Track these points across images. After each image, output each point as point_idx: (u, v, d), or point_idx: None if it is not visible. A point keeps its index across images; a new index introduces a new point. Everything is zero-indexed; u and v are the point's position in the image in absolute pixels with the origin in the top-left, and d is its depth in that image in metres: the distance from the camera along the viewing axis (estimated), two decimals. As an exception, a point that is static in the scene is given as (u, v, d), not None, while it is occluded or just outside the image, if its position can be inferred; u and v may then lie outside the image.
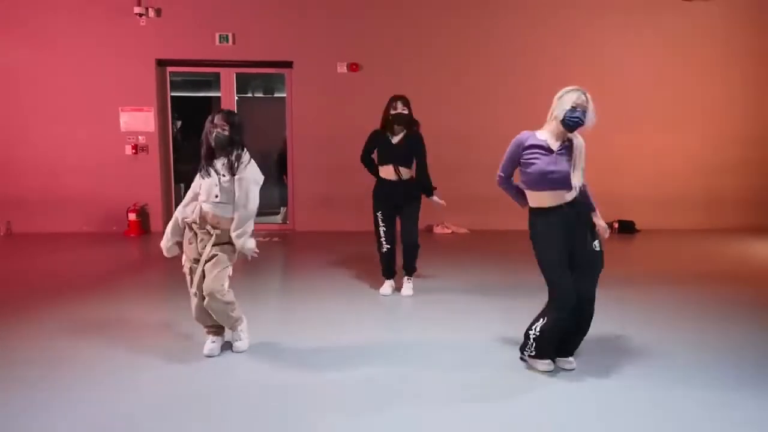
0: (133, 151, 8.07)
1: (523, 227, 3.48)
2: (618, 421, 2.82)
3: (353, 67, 8.25)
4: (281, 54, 8.19)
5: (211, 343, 3.63)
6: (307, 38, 8.15)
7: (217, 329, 3.67)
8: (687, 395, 3.10)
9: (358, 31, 8.22)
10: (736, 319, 4.44)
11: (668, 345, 3.84)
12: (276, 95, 10.75)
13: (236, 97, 8.54)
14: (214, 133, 3.43)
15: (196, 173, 3.59)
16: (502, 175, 3.46)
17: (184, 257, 3.57)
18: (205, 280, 3.42)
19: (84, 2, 7.78)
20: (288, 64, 8.27)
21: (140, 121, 8.06)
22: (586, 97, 3.20)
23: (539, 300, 3.45)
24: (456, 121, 8.26)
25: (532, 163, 3.25)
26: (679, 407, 2.97)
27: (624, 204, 8.38)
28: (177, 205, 3.75)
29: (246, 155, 3.51)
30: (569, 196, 3.23)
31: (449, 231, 8.32)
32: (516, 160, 3.36)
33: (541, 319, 3.31)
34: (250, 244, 3.50)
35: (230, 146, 3.46)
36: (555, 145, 3.26)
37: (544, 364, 3.37)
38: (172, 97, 8.43)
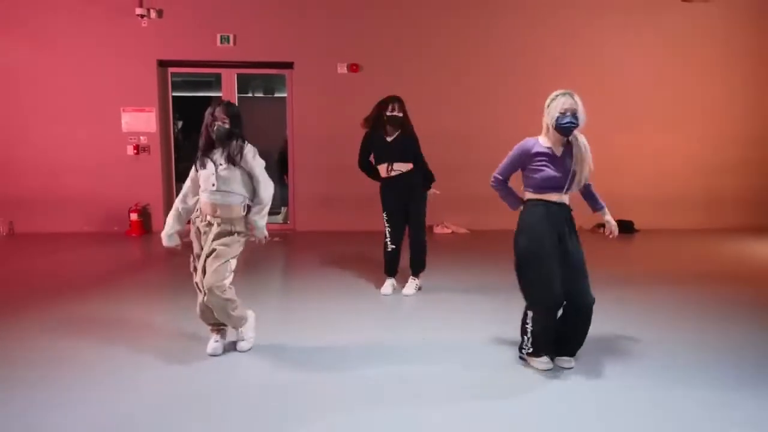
0: (135, 151, 8.08)
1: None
2: (618, 421, 2.82)
3: (353, 67, 8.25)
4: (282, 55, 8.20)
5: (214, 342, 3.64)
6: (308, 39, 8.16)
7: (220, 328, 3.67)
8: (687, 395, 3.10)
9: (358, 32, 8.23)
10: (736, 319, 4.44)
11: (668, 345, 3.84)
12: (276, 95, 10.77)
13: (237, 97, 8.55)
14: (215, 126, 3.45)
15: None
16: (500, 178, 3.47)
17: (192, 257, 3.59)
18: (206, 274, 3.43)
19: (84, 2, 7.79)
20: (288, 65, 8.28)
21: (142, 121, 8.07)
22: (574, 98, 3.21)
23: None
24: (456, 121, 8.26)
25: (542, 170, 3.27)
26: (679, 407, 2.97)
27: (624, 204, 8.36)
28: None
29: (248, 146, 3.55)
30: (566, 198, 3.33)
31: (449, 231, 8.33)
32: (517, 167, 3.39)
33: (529, 313, 3.36)
34: (263, 223, 3.59)
35: (230, 138, 3.49)
36: (559, 151, 3.30)
37: (543, 363, 3.38)
38: (172, 97, 8.44)
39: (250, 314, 3.74)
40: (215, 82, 9.18)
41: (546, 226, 3.26)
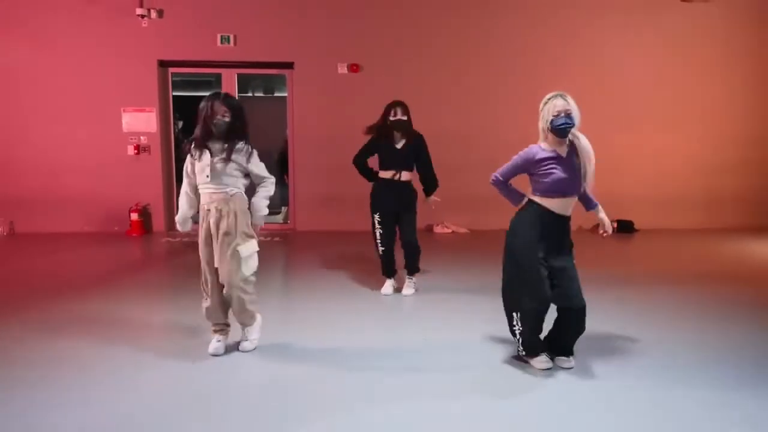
0: (135, 151, 8.08)
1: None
2: (618, 421, 2.82)
3: (353, 67, 8.26)
4: (282, 55, 8.21)
5: (216, 342, 3.64)
6: (308, 39, 8.16)
7: (223, 328, 3.68)
8: (687, 395, 3.10)
9: (359, 32, 8.23)
10: (736, 319, 4.43)
11: (668, 345, 3.84)
12: (276, 95, 10.77)
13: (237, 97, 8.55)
14: (215, 120, 3.43)
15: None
16: (501, 179, 3.47)
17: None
18: (226, 270, 3.45)
19: (84, 2, 7.79)
20: (289, 65, 8.28)
21: (142, 121, 8.08)
22: (566, 99, 3.22)
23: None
24: (456, 121, 8.26)
25: (552, 173, 3.26)
26: (679, 407, 2.97)
27: (624, 204, 8.38)
28: (178, 205, 3.77)
29: (254, 152, 3.56)
30: (571, 208, 3.32)
31: (449, 231, 8.33)
32: (519, 173, 3.40)
33: (514, 315, 3.37)
34: (264, 212, 3.63)
35: (231, 133, 3.47)
36: (564, 152, 3.31)
37: (542, 362, 3.38)
38: (173, 97, 8.44)
39: (258, 316, 3.74)
40: (215, 82, 9.17)
41: (538, 228, 3.27)
